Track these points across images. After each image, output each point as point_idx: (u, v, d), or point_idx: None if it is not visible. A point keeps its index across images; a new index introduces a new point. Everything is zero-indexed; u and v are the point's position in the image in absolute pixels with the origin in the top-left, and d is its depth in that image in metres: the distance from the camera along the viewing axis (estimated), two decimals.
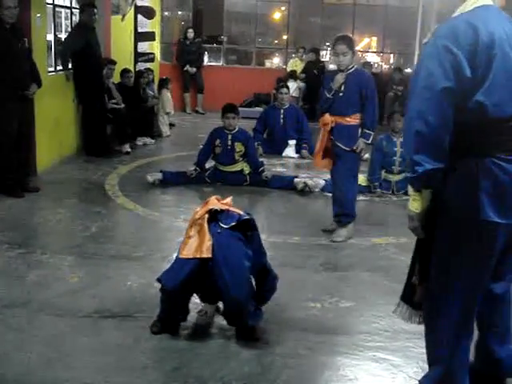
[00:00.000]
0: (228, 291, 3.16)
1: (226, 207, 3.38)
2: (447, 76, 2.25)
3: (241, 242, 3.26)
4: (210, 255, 3.19)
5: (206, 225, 3.27)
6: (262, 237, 3.53)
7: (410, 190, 2.47)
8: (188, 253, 3.24)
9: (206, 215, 3.31)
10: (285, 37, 14.25)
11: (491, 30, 2.29)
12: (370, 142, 5.05)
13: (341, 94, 4.87)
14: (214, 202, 3.39)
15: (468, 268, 2.43)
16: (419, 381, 2.76)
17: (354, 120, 4.93)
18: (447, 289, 2.48)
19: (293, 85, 11.66)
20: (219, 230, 3.27)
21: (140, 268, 4.25)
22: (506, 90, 2.30)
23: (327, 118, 4.94)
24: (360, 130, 4.97)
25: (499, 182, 2.33)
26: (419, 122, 2.29)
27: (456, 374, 2.55)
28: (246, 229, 3.32)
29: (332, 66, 13.66)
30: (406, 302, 2.70)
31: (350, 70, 4.88)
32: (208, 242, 3.21)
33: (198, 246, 3.23)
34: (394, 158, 6.49)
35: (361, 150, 4.95)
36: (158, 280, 3.33)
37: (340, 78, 4.82)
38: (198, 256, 3.20)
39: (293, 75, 12.04)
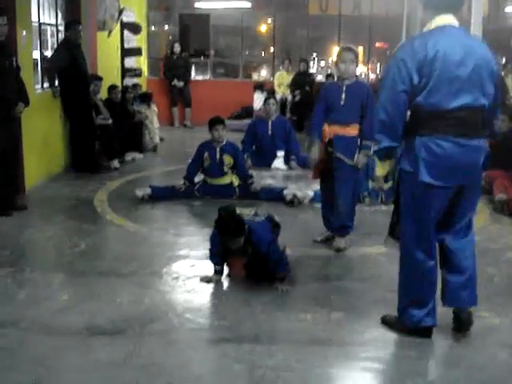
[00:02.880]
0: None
1: None
2: (403, 81, 3.14)
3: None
4: None
5: None
6: None
7: (376, 159, 3.45)
8: None
9: None
10: (271, 49, 14.32)
11: (438, 48, 3.07)
12: (371, 153, 5.04)
13: (342, 103, 4.90)
14: None
15: (415, 213, 3.31)
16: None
17: (353, 131, 4.92)
18: (407, 224, 3.38)
19: (258, 96, 11.82)
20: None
21: (130, 284, 4.24)
22: (441, 94, 3.10)
23: (325, 128, 4.95)
24: (359, 142, 4.94)
25: (434, 153, 3.15)
26: (382, 111, 3.21)
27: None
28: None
29: (320, 78, 13.77)
30: (392, 236, 3.60)
31: (351, 82, 4.91)
32: None
33: None
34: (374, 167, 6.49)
35: (362, 164, 4.97)
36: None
37: (317, 148, 4.96)
38: None
39: (260, 86, 12.17)
